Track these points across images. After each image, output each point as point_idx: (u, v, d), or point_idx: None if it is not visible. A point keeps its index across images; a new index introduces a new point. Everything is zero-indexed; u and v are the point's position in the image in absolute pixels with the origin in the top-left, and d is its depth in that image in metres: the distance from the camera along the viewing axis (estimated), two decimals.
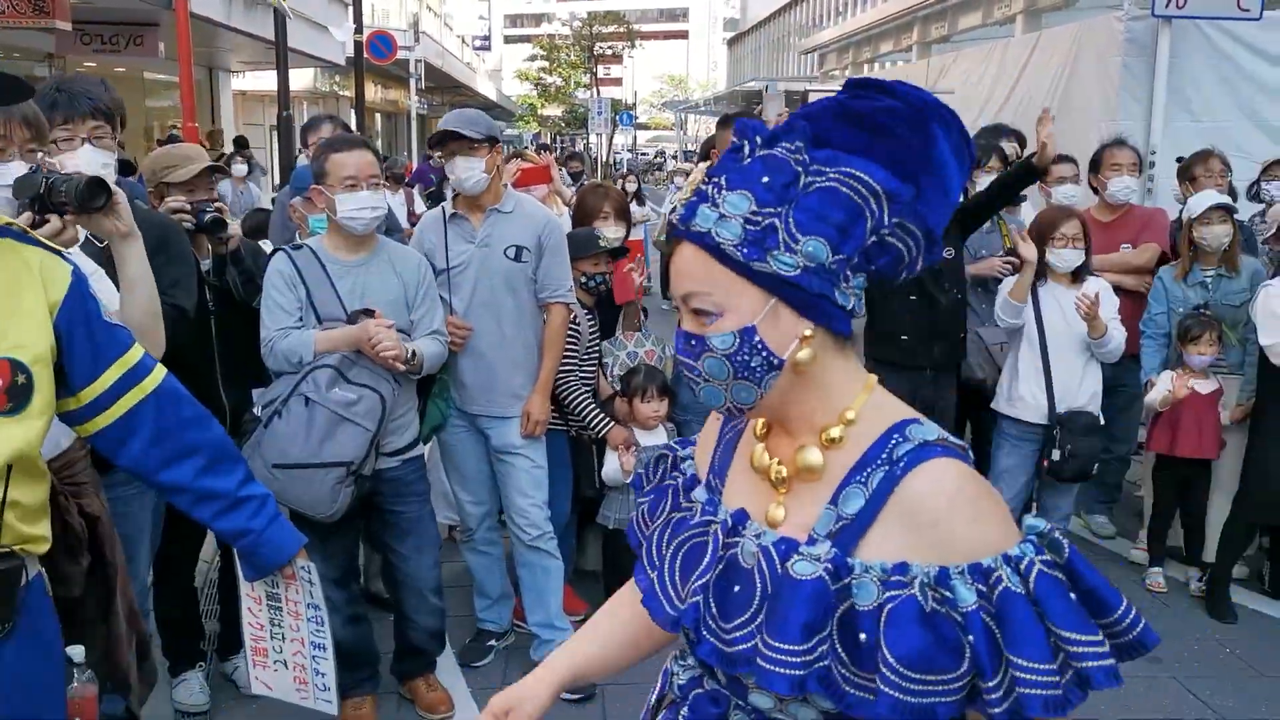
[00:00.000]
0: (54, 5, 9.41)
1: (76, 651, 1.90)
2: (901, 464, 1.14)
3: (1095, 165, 4.97)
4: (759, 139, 1.17)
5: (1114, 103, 6.94)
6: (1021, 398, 4.22)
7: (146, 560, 3.03)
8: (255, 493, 2.00)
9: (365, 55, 16.37)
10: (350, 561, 3.44)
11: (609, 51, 47.30)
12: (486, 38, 56.92)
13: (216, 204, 3.30)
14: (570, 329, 3.82)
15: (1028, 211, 5.36)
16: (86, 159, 2.69)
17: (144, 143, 14.45)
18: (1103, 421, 4.25)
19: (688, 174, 13.80)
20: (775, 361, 1.16)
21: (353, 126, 16.27)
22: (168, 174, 3.37)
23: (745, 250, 1.13)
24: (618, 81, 51.60)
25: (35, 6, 9.39)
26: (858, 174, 1.12)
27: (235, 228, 3.35)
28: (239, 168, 10.93)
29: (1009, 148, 5.30)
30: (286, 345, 3.10)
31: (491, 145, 3.55)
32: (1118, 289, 4.46)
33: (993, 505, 1.14)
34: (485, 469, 3.76)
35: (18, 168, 2.25)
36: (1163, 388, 4.33)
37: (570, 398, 3.90)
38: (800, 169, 1.14)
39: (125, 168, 3.91)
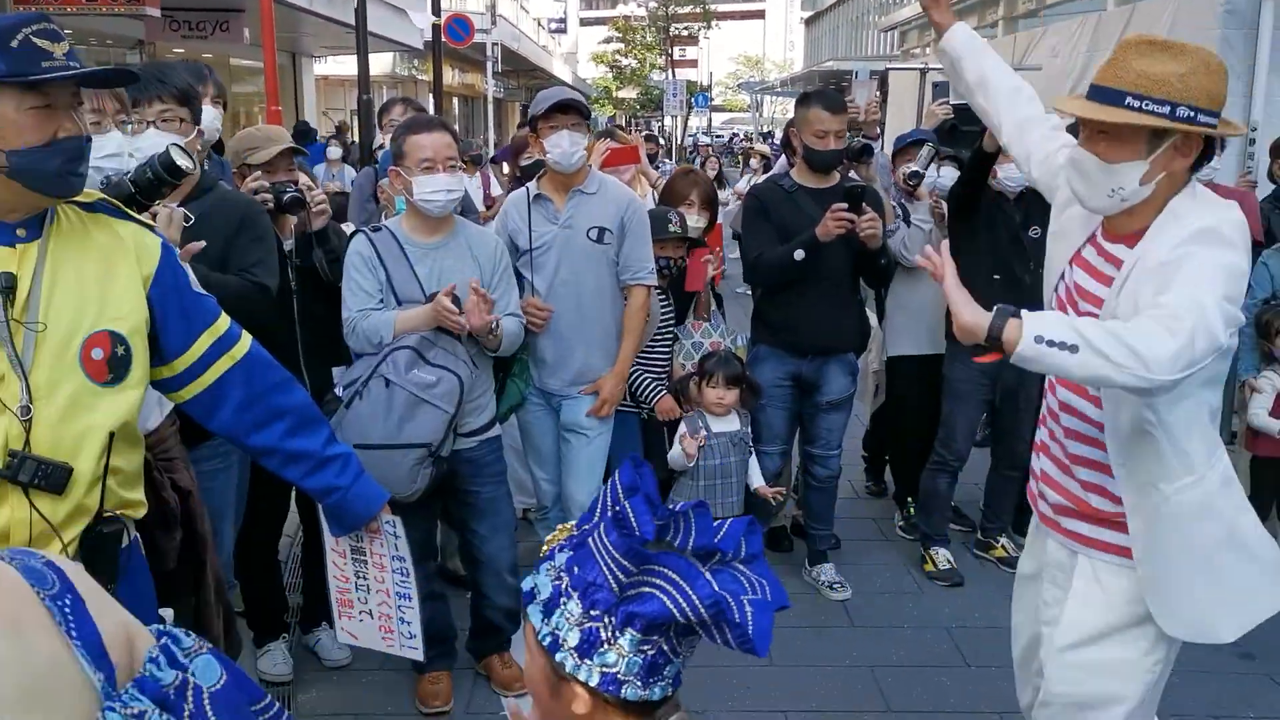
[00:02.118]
0: None
1: (168, 614, 1.96)
2: None
3: None
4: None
5: None
6: None
7: (230, 533, 3.11)
8: (339, 451, 2.08)
9: (443, 39, 16.50)
10: (428, 540, 3.48)
11: (685, 33, 47.00)
12: (563, 20, 56.96)
13: (297, 184, 3.36)
14: None
15: None
16: (151, 141, 2.75)
17: (231, 127, 14.79)
18: None
19: (764, 156, 13.66)
20: None
21: (430, 110, 16.35)
22: (250, 155, 3.44)
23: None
24: (693, 63, 51.34)
25: None
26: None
27: (324, 203, 3.40)
28: (333, 150, 11.12)
29: None
30: (368, 325, 3.14)
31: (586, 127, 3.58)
32: None
33: None
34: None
35: (114, 138, 2.35)
36: (1262, 413, 4.16)
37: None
38: None
39: (217, 148, 4.03)
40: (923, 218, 4.59)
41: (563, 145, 3.51)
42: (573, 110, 3.53)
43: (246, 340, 1.99)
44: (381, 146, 5.03)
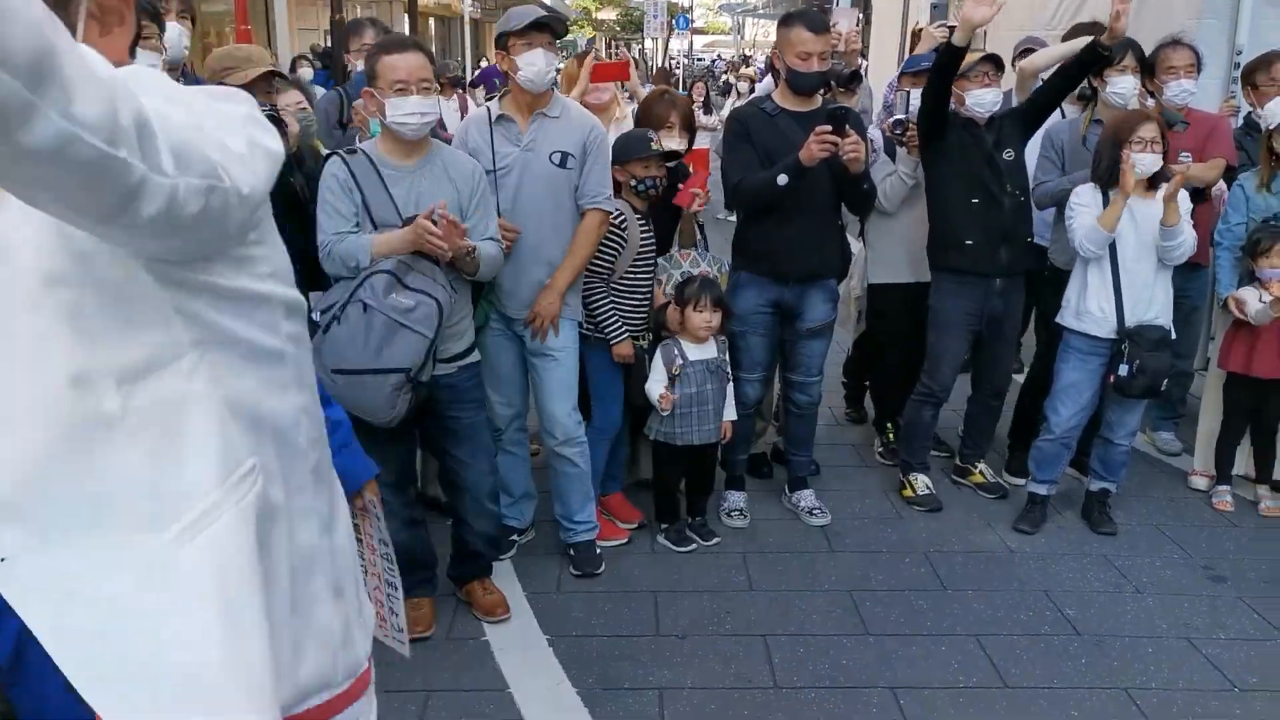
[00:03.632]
0: None
1: None
2: None
3: (1150, 68, 4.71)
4: None
5: None
6: (1089, 312, 4.08)
7: None
8: (326, 417, 1.91)
9: None
10: (407, 466, 3.47)
11: None
12: None
13: (275, 107, 3.27)
14: (615, 235, 3.80)
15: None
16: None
17: (201, 48, 14.39)
18: (1174, 335, 4.13)
19: (749, 80, 13.45)
20: None
21: (405, 31, 16.02)
22: (227, 75, 3.34)
23: None
24: None
25: None
26: None
27: (294, 126, 3.32)
28: (304, 72, 10.86)
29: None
30: (344, 249, 3.09)
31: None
32: None
33: None
34: (518, 372, 3.79)
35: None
36: (1254, 302, 4.16)
37: (593, 301, 3.87)
38: None
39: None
40: (908, 171, 4.50)
41: (538, 64, 3.45)
42: (548, 29, 3.46)
43: None
44: (351, 68, 4.92)
